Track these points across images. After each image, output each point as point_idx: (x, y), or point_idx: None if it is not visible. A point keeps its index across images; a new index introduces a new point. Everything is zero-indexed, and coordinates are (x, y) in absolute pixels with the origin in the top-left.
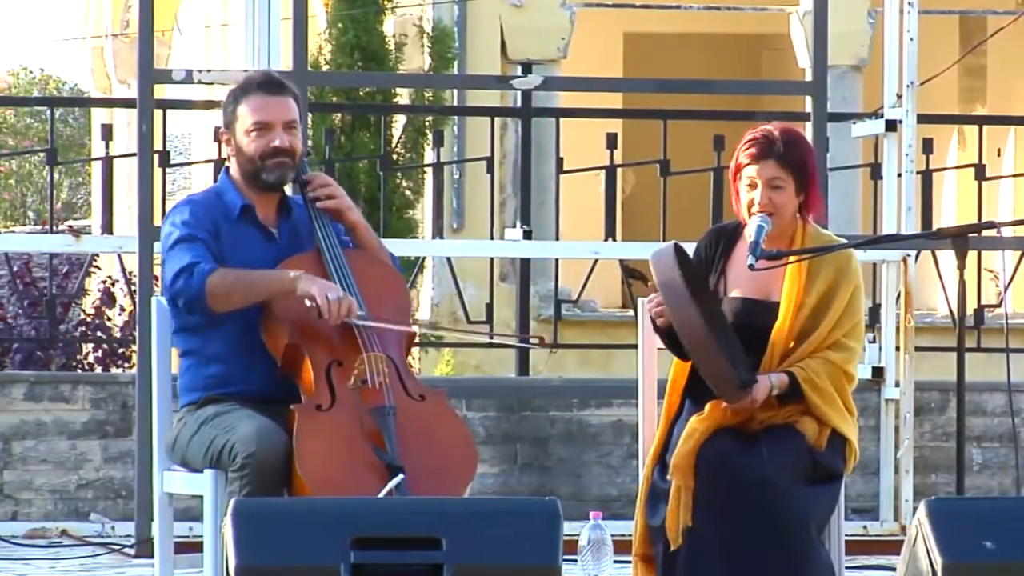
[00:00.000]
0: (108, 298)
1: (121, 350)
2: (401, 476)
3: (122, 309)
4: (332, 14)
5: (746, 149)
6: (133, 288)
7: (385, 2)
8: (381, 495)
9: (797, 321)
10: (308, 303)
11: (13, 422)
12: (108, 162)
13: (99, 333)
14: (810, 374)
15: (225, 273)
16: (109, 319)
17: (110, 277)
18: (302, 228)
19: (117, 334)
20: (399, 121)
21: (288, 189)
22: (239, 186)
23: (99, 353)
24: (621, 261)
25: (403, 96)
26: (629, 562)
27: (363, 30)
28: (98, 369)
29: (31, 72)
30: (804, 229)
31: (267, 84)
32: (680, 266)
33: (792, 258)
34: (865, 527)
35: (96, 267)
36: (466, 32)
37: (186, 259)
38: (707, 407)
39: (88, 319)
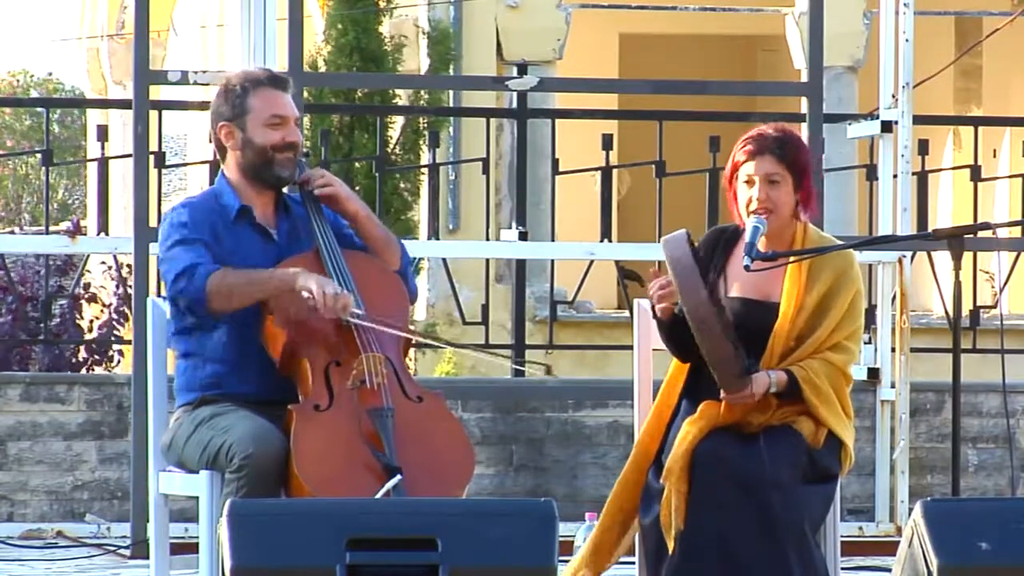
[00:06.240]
0: (84, 296)
1: (115, 340)
2: (399, 477)
3: (105, 306)
4: (331, 15)
5: (742, 147)
6: (129, 288)
7: (382, 3)
8: (378, 496)
9: (797, 322)
10: (305, 295)
11: (8, 423)
12: (104, 163)
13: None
14: (810, 374)
15: (225, 273)
16: (81, 317)
17: (89, 271)
18: (301, 227)
19: (95, 332)
20: (397, 122)
21: (286, 187)
22: (236, 187)
23: (82, 352)
24: (617, 262)
25: (402, 97)
26: (624, 563)
27: (362, 31)
28: (82, 369)
29: (18, 75)
30: (805, 232)
31: (276, 80)
32: (691, 248)
33: (791, 259)
34: (861, 528)
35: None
36: (462, 33)
37: (186, 260)
38: (700, 407)
39: (83, 319)
